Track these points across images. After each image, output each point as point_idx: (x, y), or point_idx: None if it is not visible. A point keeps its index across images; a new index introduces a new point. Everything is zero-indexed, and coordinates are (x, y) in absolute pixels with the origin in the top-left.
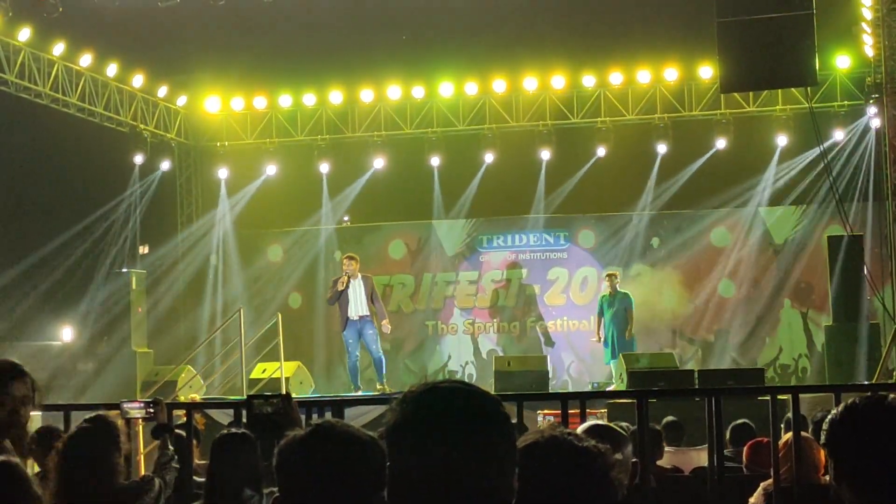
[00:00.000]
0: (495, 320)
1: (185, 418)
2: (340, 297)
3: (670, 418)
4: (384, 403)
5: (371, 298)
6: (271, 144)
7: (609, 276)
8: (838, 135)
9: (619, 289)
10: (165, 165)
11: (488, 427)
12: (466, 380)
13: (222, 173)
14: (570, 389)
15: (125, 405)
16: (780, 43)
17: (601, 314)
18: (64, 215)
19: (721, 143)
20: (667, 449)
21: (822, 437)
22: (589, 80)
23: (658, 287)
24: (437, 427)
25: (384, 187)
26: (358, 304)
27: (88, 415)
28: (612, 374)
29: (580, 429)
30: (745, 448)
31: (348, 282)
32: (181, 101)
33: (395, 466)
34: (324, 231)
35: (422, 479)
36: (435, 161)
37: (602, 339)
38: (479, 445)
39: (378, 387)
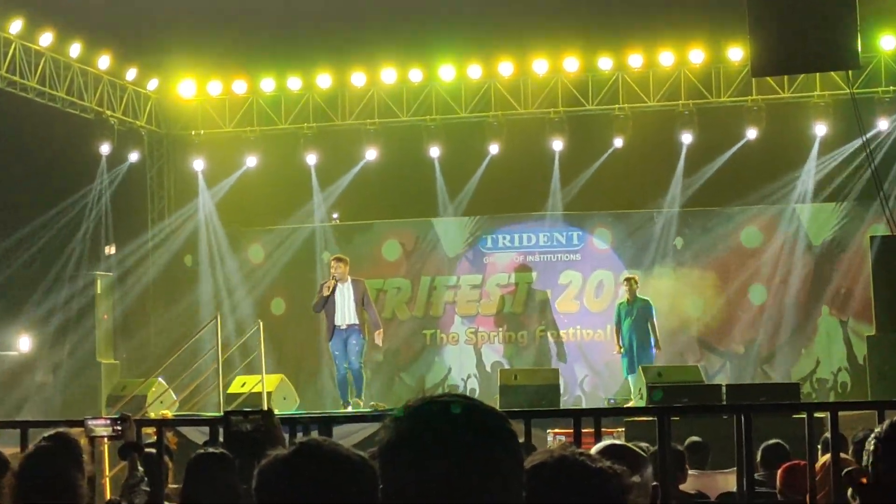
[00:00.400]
0: (501, 329)
1: (155, 436)
2: (327, 304)
3: (694, 438)
4: (377, 421)
5: (362, 305)
6: (252, 133)
7: (627, 280)
8: (882, 124)
9: (638, 295)
10: (134, 156)
11: (492, 444)
12: (468, 394)
13: (198, 165)
14: (584, 406)
15: (89, 422)
16: (819, 22)
17: (619, 323)
18: (21, 211)
19: (752, 133)
20: (690, 472)
21: (865, 459)
22: (605, 63)
23: (682, 292)
24: (435, 444)
25: (377, 181)
26: (345, 311)
27: (48, 432)
28: (630, 389)
29: (594, 449)
30: (778, 471)
31: (335, 286)
32: (152, 84)
33: (390, 488)
34: (310, 230)
35: (419, 501)
36: (434, 152)
37: (622, 351)
38: (481, 464)
39: (352, 401)
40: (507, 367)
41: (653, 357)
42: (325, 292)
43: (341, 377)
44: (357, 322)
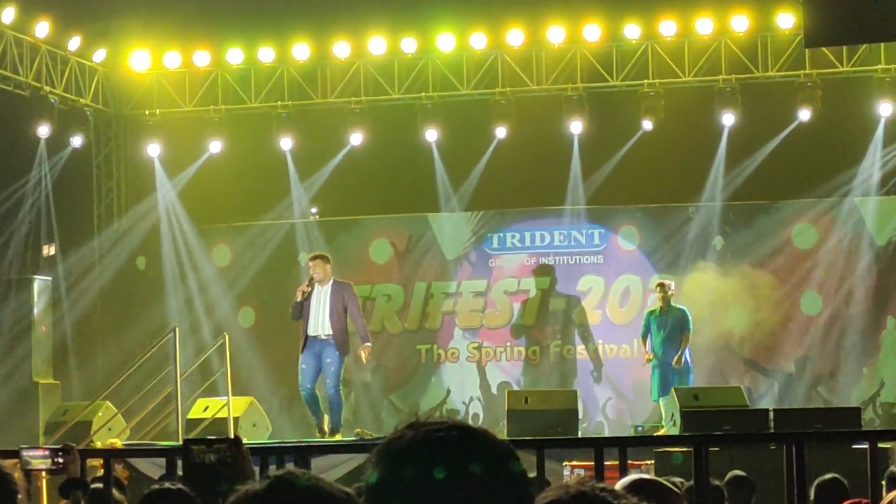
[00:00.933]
0: (508, 344)
1: (102, 469)
2: (304, 309)
3: (737, 473)
4: (363, 451)
5: (345, 312)
6: (216, 113)
7: (660, 286)
8: None
9: (673, 303)
10: (78, 140)
11: (496, 483)
12: (471, 421)
13: (152, 150)
14: (607, 433)
15: (25, 453)
16: None
17: (647, 334)
18: None
19: (805, 114)
20: None
21: None
22: (633, 31)
23: (722, 301)
24: (429, 485)
25: (364, 170)
26: (320, 319)
27: None
28: (661, 415)
29: (619, 484)
30: None
31: (312, 290)
32: (99, 56)
33: None
34: (285, 227)
35: None
36: (431, 136)
37: (651, 359)
38: None
39: (324, 430)
40: (515, 388)
41: (690, 378)
42: (299, 296)
43: (308, 395)
44: (332, 333)
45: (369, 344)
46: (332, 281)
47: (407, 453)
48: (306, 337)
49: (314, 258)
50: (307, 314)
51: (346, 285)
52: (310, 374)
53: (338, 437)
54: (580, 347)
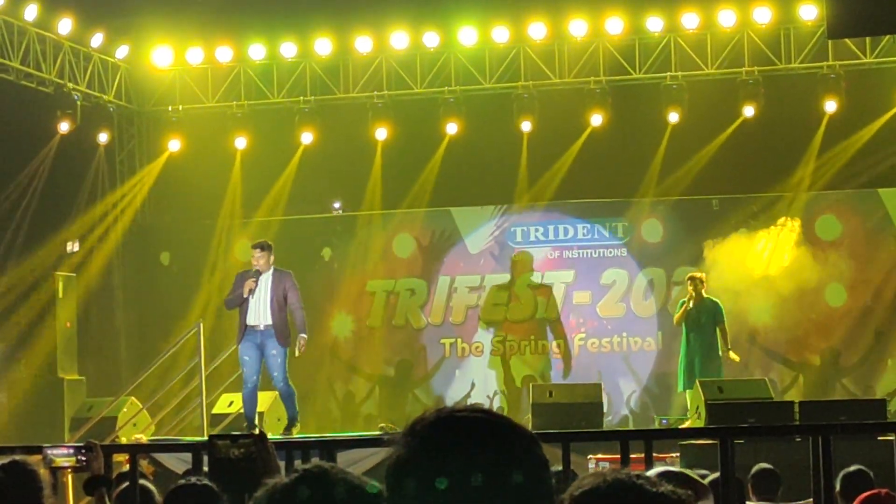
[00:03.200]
0: (532, 338)
1: (128, 465)
2: (243, 301)
3: (763, 465)
4: (388, 445)
5: (285, 301)
6: (239, 109)
7: (692, 279)
8: None
9: (705, 295)
10: (102, 137)
11: (519, 470)
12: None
13: (174, 146)
14: (631, 427)
15: (49, 451)
16: None
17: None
18: None
19: (829, 106)
20: None
21: None
22: (655, 24)
23: (745, 293)
24: (451, 466)
25: (386, 164)
26: (260, 308)
27: (2, 460)
28: (686, 408)
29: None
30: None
31: (257, 281)
32: (121, 52)
33: None
34: (307, 222)
35: None
36: (452, 129)
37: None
38: (504, 494)
39: (282, 430)
40: (540, 381)
41: (721, 370)
42: (246, 292)
43: (249, 391)
44: (272, 322)
45: (305, 335)
46: (272, 269)
47: (430, 432)
48: (245, 327)
49: (260, 247)
50: (246, 303)
51: (287, 274)
52: (255, 367)
53: (296, 431)
54: (605, 340)
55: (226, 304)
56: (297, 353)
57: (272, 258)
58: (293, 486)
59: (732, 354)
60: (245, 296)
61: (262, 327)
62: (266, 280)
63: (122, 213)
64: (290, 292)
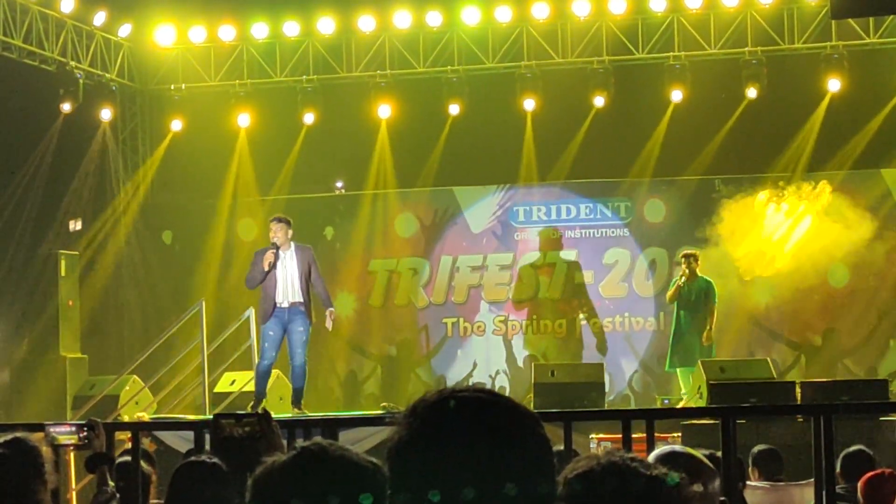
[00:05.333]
0: (535, 317)
1: (130, 443)
2: (266, 277)
3: (763, 446)
4: (391, 425)
5: (308, 278)
6: (242, 87)
7: (686, 257)
8: None
9: (700, 274)
10: (104, 115)
11: (520, 449)
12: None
13: (177, 125)
14: (633, 406)
15: (51, 428)
16: None
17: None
18: None
19: (833, 86)
20: (760, 484)
21: None
22: (658, 4)
23: (747, 273)
24: (453, 446)
25: (389, 143)
26: (289, 287)
27: (4, 437)
28: (679, 385)
29: (652, 456)
30: (860, 483)
31: (277, 255)
32: (124, 30)
33: (398, 493)
34: (310, 201)
35: None
36: (455, 109)
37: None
38: (506, 472)
39: (293, 406)
40: (542, 361)
41: (712, 349)
42: (266, 265)
43: (265, 368)
44: (302, 300)
45: (333, 308)
46: (293, 245)
47: (432, 413)
48: (273, 305)
49: (279, 220)
50: (272, 282)
51: (308, 249)
52: (276, 344)
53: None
54: (607, 320)
55: (247, 282)
56: (329, 326)
57: (290, 233)
58: (292, 464)
59: (706, 336)
60: (266, 270)
61: (287, 304)
62: (290, 256)
63: (125, 192)
64: (313, 267)
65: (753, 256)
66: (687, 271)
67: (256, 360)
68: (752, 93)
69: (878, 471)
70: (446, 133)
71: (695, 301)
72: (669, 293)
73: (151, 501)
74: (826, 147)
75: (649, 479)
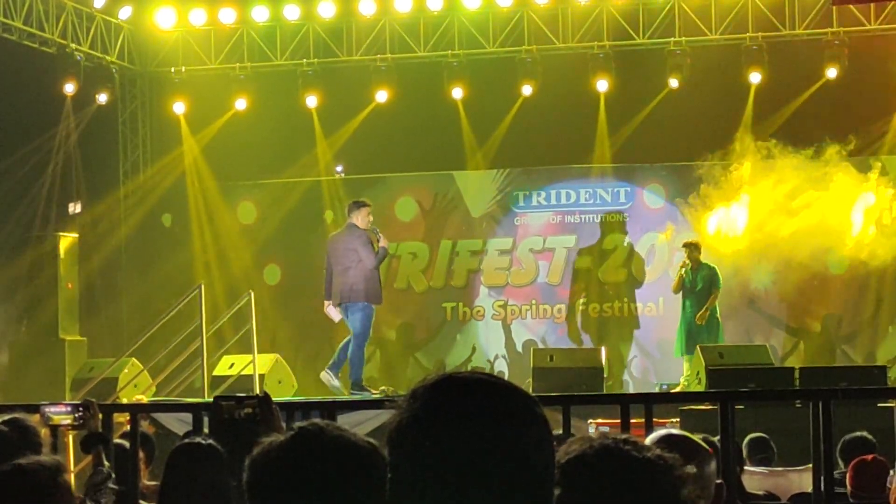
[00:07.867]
0: (534, 302)
1: (129, 425)
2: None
3: (755, 435)
4: (389, 408)
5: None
6: (242, 71)
7: (688, 245)
8: None
9: (703, 261)
10: (104, 97)
11: (520, 431)
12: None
13: (178, 108)
14: (632, 391)
15: (47, 409)
16: None
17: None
18: None
19: (832, 72)
20: (758, 470)
21: None
22: None
23: (747, 258)
24: (453, 429)
25: (389, 127)
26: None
27: (2, 417)
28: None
29: (650, 439)
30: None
31: (378, 235)
32: (124, 13)
33: (398, 476)
34: (310, 185)
35: (431, 492)
36: (456, 93)
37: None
38: (506, 454)
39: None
40: (541, 346)
41: (720, 335)
42: (386, 244)
43: (347, 341)
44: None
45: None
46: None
47: (431, 396)
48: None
49: (365, 205)
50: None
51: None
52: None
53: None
54: (606, 306)
55: (376, 264)
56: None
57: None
58: (289, 444)
59: (700, 315)
60: (388, 251)
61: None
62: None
63: (125, 175)
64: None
65: (753, 241)
66: (689, 262)
67: (255, 344)
68: (754, 78)
69: (862, 457)
70: (446, 117)
71: (700, 289)
72: (674, 284)
73: (145, 482)
74: (829, 132)
75: (642, 461)
